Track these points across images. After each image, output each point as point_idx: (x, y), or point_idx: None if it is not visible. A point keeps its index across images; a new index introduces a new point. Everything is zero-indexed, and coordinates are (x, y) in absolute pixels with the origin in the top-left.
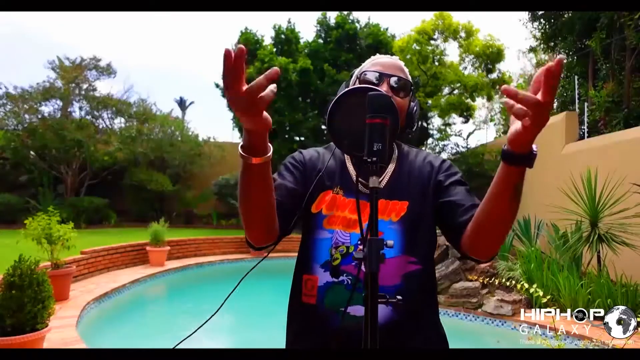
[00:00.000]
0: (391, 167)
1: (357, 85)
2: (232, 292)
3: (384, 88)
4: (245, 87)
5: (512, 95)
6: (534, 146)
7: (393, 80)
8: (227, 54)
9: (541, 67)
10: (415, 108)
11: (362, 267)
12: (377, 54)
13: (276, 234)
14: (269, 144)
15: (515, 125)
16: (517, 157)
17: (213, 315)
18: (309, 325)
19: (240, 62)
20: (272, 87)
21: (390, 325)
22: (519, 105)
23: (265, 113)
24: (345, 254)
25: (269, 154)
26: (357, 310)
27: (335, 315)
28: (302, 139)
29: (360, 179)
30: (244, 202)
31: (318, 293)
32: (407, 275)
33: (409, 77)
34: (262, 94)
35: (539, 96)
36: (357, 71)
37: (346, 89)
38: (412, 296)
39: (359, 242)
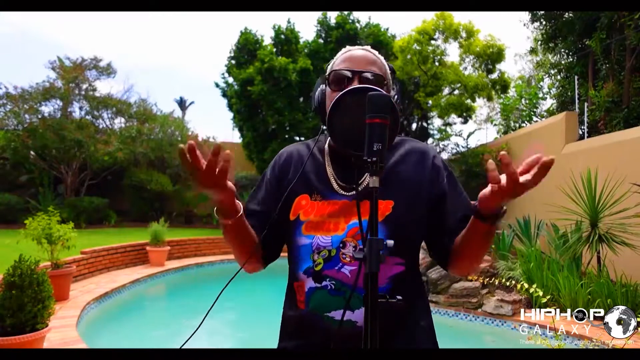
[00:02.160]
0: None
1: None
2: (216, 299)
3: (355, 85)
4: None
5: (505, 164)
6: (504, 207)
7: (365, 76)
8: (180, 151)
9: (536, 157)
10: (395, 97)
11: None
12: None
13: (262, 264)
14: (239, 205)
15: (486, 189)
16: (481, 215)
17: (203, 320)
18: (296, 331)
19: (193, 156)
20: (225, 156)
21: (376, 327)
22: (496, 174)
23: (229, 183)
24: (327, 258)
25: (239, 215)
26: (340, 314)
27: (319, 320)
28: (302, 139)
29: (339, 182)
30: (230, 246)
31: (305, 299)
32: (393, 277)
33: (385, 67)
34: (219, 167)
35: (523, 178)
36: (329, 66)
37: (347, 89)
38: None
39: (341, 245)
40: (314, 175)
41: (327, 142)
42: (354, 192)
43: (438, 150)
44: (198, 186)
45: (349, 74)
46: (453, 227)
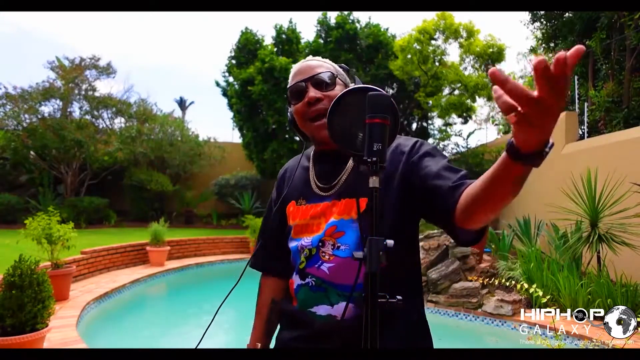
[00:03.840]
0: (350, 165)
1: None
2: (227, 296)
3: (311, 93)
4: None
5: (500, 82)
6: (550, 141)
7: (314, 80)
8: None
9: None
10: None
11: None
12: (307, 57)
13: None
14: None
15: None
16: (519, 154)
17: (212, 319)
18: (288, 324)
19: None
20: None
21: (356, 322)
22: (505, 98)
23: None
24: (308, 256)
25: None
26: (321, 309)
27: (304, 315)
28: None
29: (318, 184)
30: None
31: (294, 295)
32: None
33: (333, 66)
34: None
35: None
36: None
37: (347, 89)
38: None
39: (320, 244)
40: (301, 182)
41: (313, 147)
42: (331, 192)
43: None
44: None
45: (301, 84)
46: (435, 185)
